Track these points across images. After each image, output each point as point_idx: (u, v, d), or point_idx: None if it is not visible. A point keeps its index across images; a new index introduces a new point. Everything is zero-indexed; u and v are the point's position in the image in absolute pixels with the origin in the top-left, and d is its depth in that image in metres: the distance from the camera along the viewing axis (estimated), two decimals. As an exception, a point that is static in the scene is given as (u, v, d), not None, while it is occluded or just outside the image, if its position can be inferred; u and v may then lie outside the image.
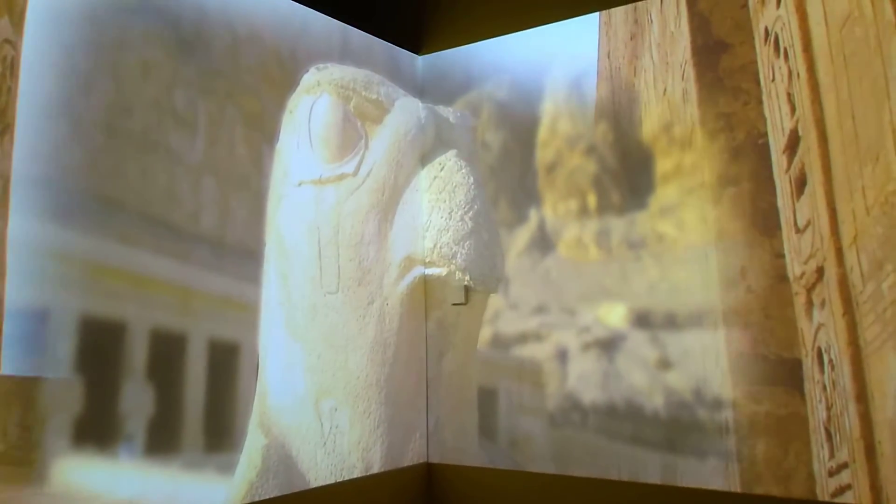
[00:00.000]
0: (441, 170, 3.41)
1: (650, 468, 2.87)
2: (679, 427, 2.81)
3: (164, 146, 2.48)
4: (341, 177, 3.15)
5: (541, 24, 3.31)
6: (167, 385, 2.39)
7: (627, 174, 3.07)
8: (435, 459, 3.37)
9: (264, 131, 2.89)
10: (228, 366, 2.63)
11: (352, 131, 3.21)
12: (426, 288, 3.38)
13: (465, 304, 3.30)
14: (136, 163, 2.38)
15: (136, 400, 2.29)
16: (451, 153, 3.44)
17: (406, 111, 3.50)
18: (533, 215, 3.31)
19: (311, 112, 3.08)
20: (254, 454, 2.67)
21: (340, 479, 2.95)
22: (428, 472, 3.37)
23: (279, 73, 3.02)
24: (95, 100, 2.29)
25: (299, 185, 2.99)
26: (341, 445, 3.00)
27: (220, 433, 2.57)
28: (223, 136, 2.71)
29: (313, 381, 2.94)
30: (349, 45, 3.34)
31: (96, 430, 2.18)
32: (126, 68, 2.38)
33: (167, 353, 2.40)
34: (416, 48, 3.47)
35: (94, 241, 2.21)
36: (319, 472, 2.91)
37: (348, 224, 3.14)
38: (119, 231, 2.30)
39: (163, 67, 2.50)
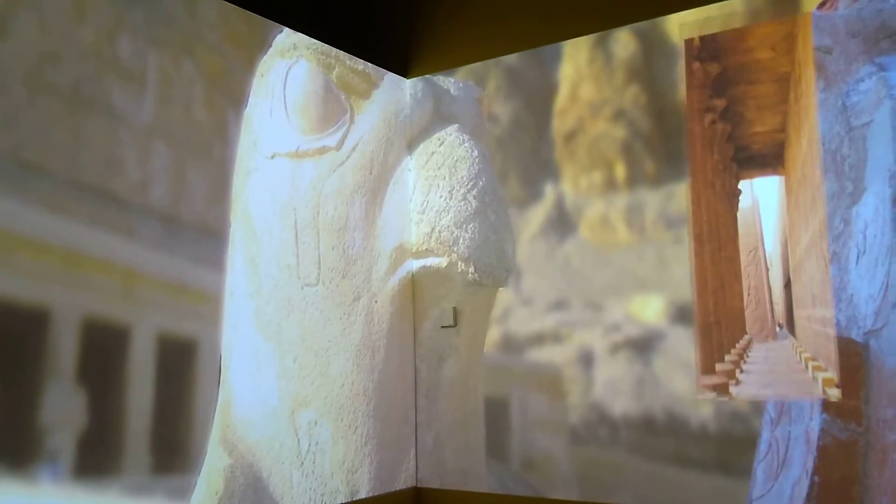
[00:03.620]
0: (440, 144, 3.15)
1: (698, 494, 2.57)
2: (733, 443, 2.51)
3: (104, 104, 2.21)
4: (322, 150, 2.88)
5: (529, 48, 3.16)
6: (103, 390, 2.09)
7: (664, 138, 2.79)
8: (433, 483, 3.07)
9: (229, 93, 2.63)
10: (183, 368, 2.34)
11: (334, 103, 2.95)
12: (422, 283, 3.11)
13: (454, 326, 3.06)
14: (66, 122, 2.11)
15: (63, 408, 1.99)
16: (452, 127, 3.19)
17: (398, 86, 3.26)
18: (549, 191, 3.03)
19: (286, 78, 2.83)
20: (215, 476, 2.38)
21: (321, 508, 2.65)
22: (417, 498, 3.08)
23: (246, 30, 2.76)
24: (15, 44, 2.02)
25: (272, 157, 2.72)
26: (322, 466, 2.70)
27: (172, 451, 2.27)
28: (178, 96, 2.44)
29: (288, 389, 2.64)
30: (332, 0, 3.09)
31: (9, 444, 1.88)
32: (55, 7, 2.12)
33: (104, 349, 2.11)
34: (405, 71, 3.32)
35: (9, 208, 1.93)
36: (296, 497, 2.61)
37: (330, 205, 2.87)
38: (44, 199, 2.02)
39: (102, 9, 2.24)
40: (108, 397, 2.11)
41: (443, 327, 3.13)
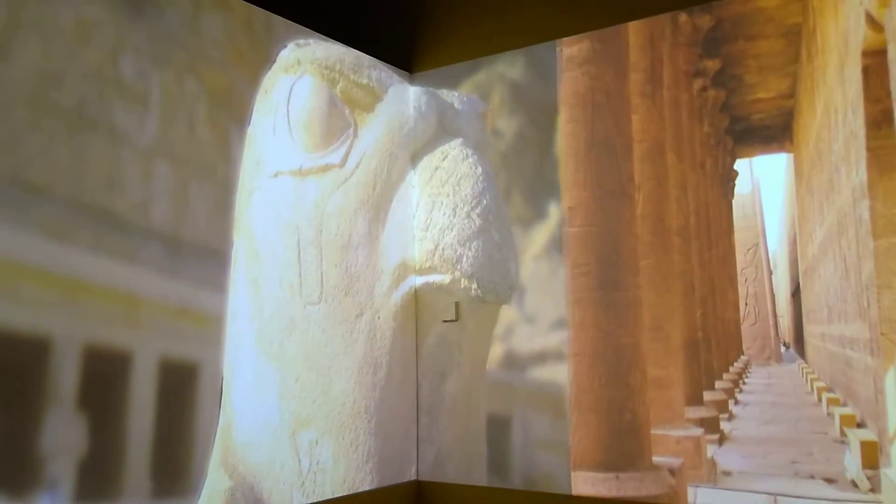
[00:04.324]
0: (444, 159, 3.10)
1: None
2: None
3: (106, 124, 2.17)
4: (325, 168, 2.84)
5: (532, 44, 3.08)
6: (104, 415, 2.05)
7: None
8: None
9: (232, 111, 2.58)
10: (184, 391, 2.30)
11: (338, 118, 2.90)
12: (425, 298, 3.06)
13: (455, 321, 3.01)
14: (68, 143, 2.07)
15: (63, 434, 1.95)
16: (456, 142, 3.13)
17: (402, 99, 3.21)
18: (553, 211, 2.98)
19: (290, 94, 2.78)
20: (215, 499, 2.34)
21: (322, 529, 2.61)
22: (418, 490, 3.06)
23: (250, 45, 2.72)
24: (17, 65, 1.98)
25: (275, 175, 2.68)
26: (323, 485, 2.66)
27: (173, 475, 2.23)
28: (181, 115, 2.39)
29: (290, 409, 2.60)
30: (336, 15, 3.04)
31: (9, 472, 1.84)
32: (57, 27, 2.07)
33: (105, 375, 2.07)
34: (409, 67, 3.25)
35: (11, 235, 1.89)
36: (296, 520, 2.57)
37: (333, 223, 2.83)
38: (45, 223, 1.97)
39: (105, 29, 2.19)
40: (109, 423, 2.07)
41: (444, 321, 3.08)
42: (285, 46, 2.81)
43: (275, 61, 2.77)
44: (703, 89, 2.30)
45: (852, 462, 1.95)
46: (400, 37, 3.30)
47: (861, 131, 1.94)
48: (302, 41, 2.90)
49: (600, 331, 2.75)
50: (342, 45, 3.04)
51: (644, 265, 2.35)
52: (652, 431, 2.35)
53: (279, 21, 2.87)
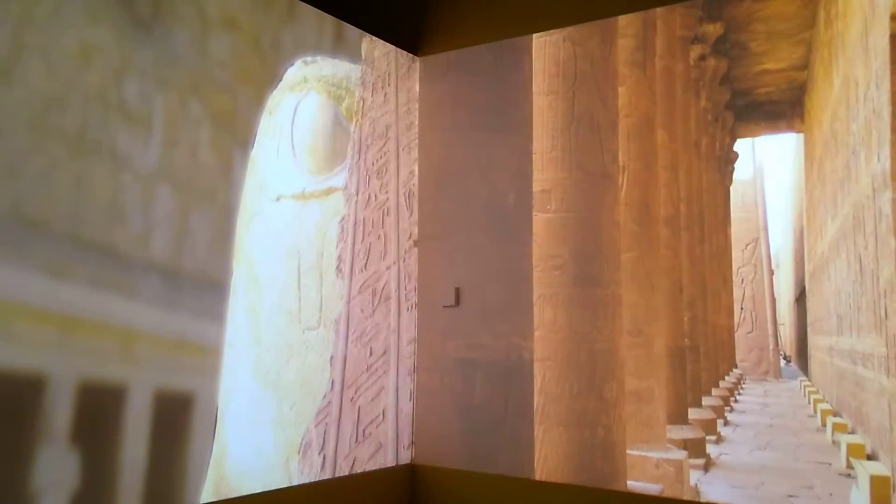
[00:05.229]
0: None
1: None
2: None
3: (109, 148, 2.08)
4: (329, 191, 2.76)
5: (540, 31, 3.00)
6: (97, 449, 1.98)
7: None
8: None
9: (236, 134, 2.50)
10: (179, 422, 2.22)
11: (343, 138, 2.83)
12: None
13: (455, 306, 2.93)
14: (69, 169, 1.98)
15: (55, 469, 1.88)
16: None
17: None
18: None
19: (295, 113, 2.71)
20: (207, 530, 2.27)
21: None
22: (412, 474, 3.00)
23: (257, 65, 2.63)
24: (19, 89, 1.89)
25: (278, 199, 2.60)
26: (316, 517, 2.60)
27: (165, 507, 2.15)
28: (184, 138, 2.31)
29: (285, 436, 2.54)
30: (343, 35, 2.94)
31: (-2, 510, 1.77)
32: (61, 50, 1.98)
33: (99, 410, 1.99)
34: (415, 49, 3.16)
35: (9, 274, 1.80)
36: (288, 550, 2.50)
37: (335, 246, 2.75)
38: (43, 260, 1.89)
39: (109, 52, 2.10)
40: (102, 457, 1.99)
41: (445, 307, 3.01)
42: (292, 64, 2.73)
43: (281, 80, 2.68)
44: (702, 58, 2.04)
45: (860, 499, 1.56)
46: (407, 19, 3.20)
47: (886, 109, 1.56)
48: (309, 58, 2.82)
49: (574, 333, 2.39)
50: (349, 61, 2.95)
51: (626, 259, 1.94)
52: (628, 452, 1.96)
53: (287, 38, 2.79)
